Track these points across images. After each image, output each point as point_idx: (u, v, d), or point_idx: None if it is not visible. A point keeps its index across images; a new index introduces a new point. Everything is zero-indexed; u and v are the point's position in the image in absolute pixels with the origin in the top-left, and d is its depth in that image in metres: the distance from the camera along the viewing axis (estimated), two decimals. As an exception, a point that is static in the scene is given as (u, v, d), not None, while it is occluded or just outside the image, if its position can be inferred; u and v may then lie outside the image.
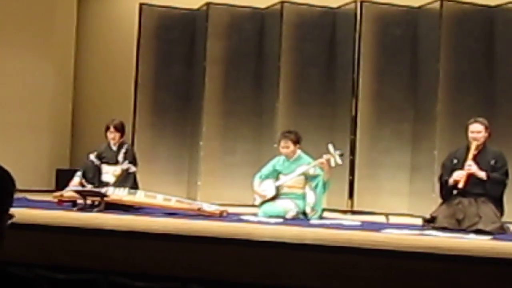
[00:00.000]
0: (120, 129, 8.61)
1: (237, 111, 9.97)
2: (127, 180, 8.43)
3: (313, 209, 8.03)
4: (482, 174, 7.30)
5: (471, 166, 7.30)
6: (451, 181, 7.37)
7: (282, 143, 8.27)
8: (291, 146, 8.22)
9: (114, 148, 8.59)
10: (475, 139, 7.41)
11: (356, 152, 9.26)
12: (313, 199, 8.06)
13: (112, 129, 8.56)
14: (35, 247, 6.00)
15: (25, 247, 5.87)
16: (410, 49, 9.33)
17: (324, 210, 8.32)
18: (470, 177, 7.30)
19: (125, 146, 8.64)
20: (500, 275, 5.21)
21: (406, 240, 6.47)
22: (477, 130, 7.42)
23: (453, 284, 5.23)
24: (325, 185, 8.13)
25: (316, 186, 8.09)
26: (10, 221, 2.38)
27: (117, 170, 8.51)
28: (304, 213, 8.08)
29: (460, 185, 7.29)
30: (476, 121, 7.47)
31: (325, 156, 8.12)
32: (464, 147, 7.54)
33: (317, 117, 9.63)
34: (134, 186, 8.45)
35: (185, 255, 5.80)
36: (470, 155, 7.37)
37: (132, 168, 8.51)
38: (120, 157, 8.54)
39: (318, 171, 8.12)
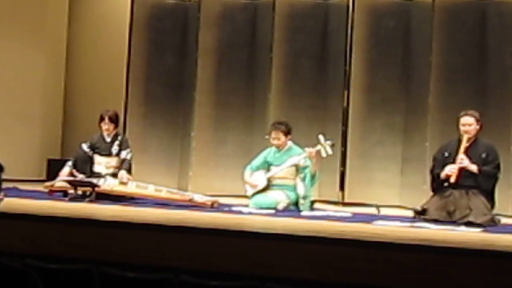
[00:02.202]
0: (115, 120, 8.58)
1: (229, 102, 9.95)
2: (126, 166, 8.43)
3: (304, 199, 8.03)
4: (473, 168, 7.30)
5: (463, 160, 7.30)
6: (443, 175, 7.38)
7: (273, 135, 8.26)
8: (282, 137, 8.21)
9: (108, 139, 8.56)
10: (466, 132, 7.41)
11: (347, 144, 9.25)
12: (303, 190, 8.05)
13: (107, 120, 8.51)
14: (26, 237, 5.99)
15: (16, 237, 5.87)
16: (402, 41, 9.31)
17: (315, 201, 8.32)
18: (462, 170, 7.31)
19: (119, 138, 8.61)
20: (490, 267, 5.23)
21: (397, 232, 6.48)
22: (468, 123, 7.42)
23: (444, 276, 5.25)
24: (313, 177, 8.12)
25: (305, 177, 8.09)
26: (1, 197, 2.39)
27: (110, 162, 8.49)
28: (295, 204, 8.08)
29: (452, 180, 7.29)
30: (467, 114, 7.46)
31: (316, 147, 8.12)
32: (455, 140, 7.54)
33: (309, 109, 9.62)
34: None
35: (176, 246, 5.81)
36: (462, 148, 7.37)
37: (129, 155, 8.51)
38: (114, 149, 8.51)
39: (308, 162, 8.12)
